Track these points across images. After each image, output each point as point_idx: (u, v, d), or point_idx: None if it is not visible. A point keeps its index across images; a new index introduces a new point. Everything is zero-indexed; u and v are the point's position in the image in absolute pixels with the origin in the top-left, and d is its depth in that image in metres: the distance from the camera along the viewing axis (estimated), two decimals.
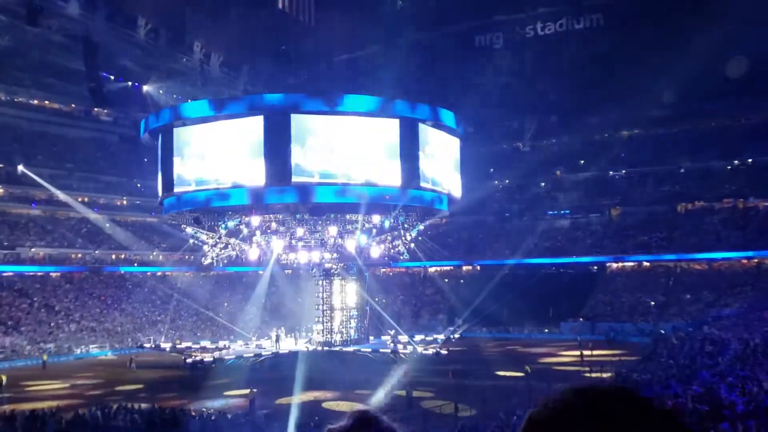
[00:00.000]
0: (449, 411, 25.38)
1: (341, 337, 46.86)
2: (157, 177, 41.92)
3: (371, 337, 49.43)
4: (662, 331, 46.68)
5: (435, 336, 50.64)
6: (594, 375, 31.54)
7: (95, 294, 56.81)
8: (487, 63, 66.14)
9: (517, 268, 62.24)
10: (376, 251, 44.83)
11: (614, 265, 62.07)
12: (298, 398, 29.82)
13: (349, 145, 37.97)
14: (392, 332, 48.29)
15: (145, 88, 68.85)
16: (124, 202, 66.89)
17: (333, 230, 42.80)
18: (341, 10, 61.07)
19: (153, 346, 49.26)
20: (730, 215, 59.95)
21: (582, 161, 69.82)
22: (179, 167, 38.98)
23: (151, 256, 63.02)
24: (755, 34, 53.12)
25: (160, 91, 69.07)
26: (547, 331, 54.77)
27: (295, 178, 37.31)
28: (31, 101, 66.25)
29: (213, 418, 24.99)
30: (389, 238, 44.92)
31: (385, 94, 41.09)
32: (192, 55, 64.44)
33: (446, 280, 67.19)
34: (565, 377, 32.88)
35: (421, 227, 46.28)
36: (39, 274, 56.55)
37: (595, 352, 40.03)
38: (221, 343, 47.82)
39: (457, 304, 59.65)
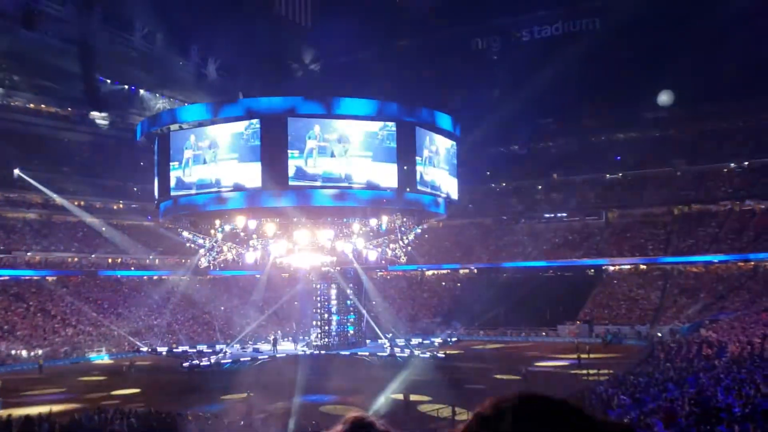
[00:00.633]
0: (446, 415, 25.33)
1: (338, 340, 46.83)
2: (154, 181, 41.89)
3: (368, 341, 49.42)
4: (659, 334, 46.73)
5: (432, 339, 50.61)
6: (591, 378, 31.54)
7: (92, 298, 56.66)
8: (484, 66, 66.25)
9: (514, 271, 62.26)
10: (373, 254, 44.85)
11: (611, 267, 62.10)
12: (295, 402, 29.76)
13: (347, 148, 37.96)
14: (389, 336, 48.28)
15: (142, 92, 68.85)
16: (121, 206, 66.76)
17: (330, 233, 42.79)
18: (338, 14, 61.08)
19: (150, 350, 49.16)
20: (727, 218, 60.02)
21: (579, 164, 69.83)
22: (179, 171, 38.96)
23: (147, 260, 62.90)
24: (752, 35, 53.24)
25: (157, 95, 69.07)
26: (544, 334, 54.74)
27: (296, 183, 37.32)
28: (27, 105, 66.16)
29: (210, 422, 24.91)
30: (386, 241, 44.93)
31: (382, 98, 41.11)
32: (189, 58, 64.42)
33: (443, 283, 67.18)
34: (563, 380, 32.88)
35: (419, 230, 46.30)
36: (35, 278, 56.42)
37: (593, 355, 40.07)
38: (218, 347, 47.73)
39: (454, 308, 59.65)
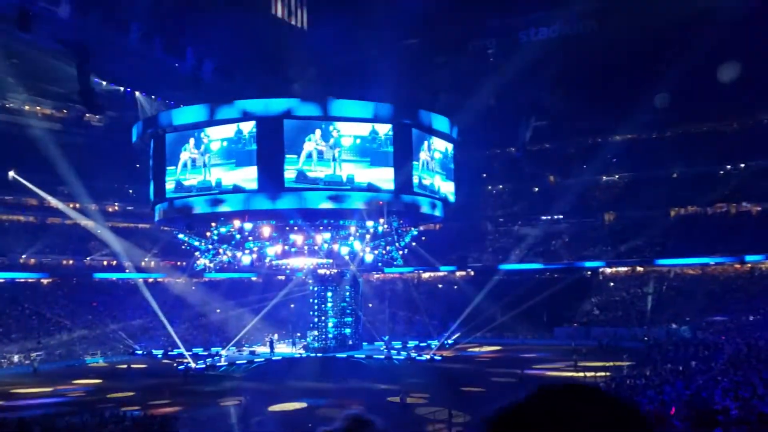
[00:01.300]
0: (443, 417, 25.26)
1: (335, 343, 46.73)
2: (149, 182, 41.77)
3: (365, 343, 49.33)
4: (656, 336, 46.73)
5: (429, 342, 50.55)
6: (588, 380, 31.49)
7: (87, 301, 56.48)
8: (481, 68, 66.19)
9: (510, 274, 62.19)
10: (369, 257, 44.77)
11: (608, 270, 62.10)
12: (291, 405, 29.68)
13: (346, 152, 37.90)
14: (386, 338, 48.19)
15: (138, 93, 68.62)
16: (116, 209, 66.56)
17: (326, 236, 42.71)
18: (334, 16, 61.02)
19: (145, 352, 49.01)
20: (723, 220, 60.08)
21: (575, 166, 69.86)
22: (178, 175, 38.82)
23: (143, 263, 62.68)
24: (747, 38, 53.32)
25: (153, 97, 68.84)
26: (541, 336, 54.69)
27: (297, 186, 37.25)
28: (22, 107, 65.97)
29: (205, 425, 24.80)
30: (383, 243, 44.85)
31: (379, 100, 41.04)
32: (185, 60, 64.24)
33: (440, 285, 67.10)
34: (560, 383, 32.77)
35: (415, 232, 46.24)
36: (30, 280, 56.25)
37: (589, 358, 40.03)
38: (214, 350, 47.58)
39: (450, 310, 59.55)
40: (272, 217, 40.99)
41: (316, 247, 43.61)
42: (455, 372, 37.80)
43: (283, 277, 57.57)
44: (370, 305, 53.22)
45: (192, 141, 38.50)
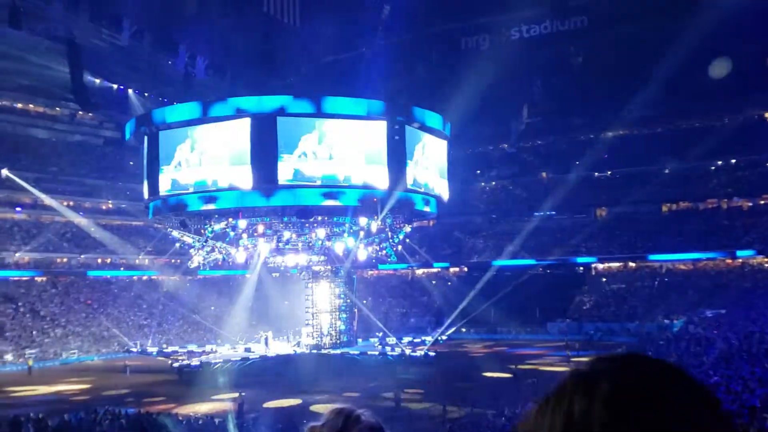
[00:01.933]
0: (437, 413, 25.44)
1: (329, 339, 46.84)
2: (143, 180, 41.73)
3: (359, 340, 49.46)
4: (648, 331, 47.03)
5: (423, 338, 50.72)
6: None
7: (81, 298, 56.45)
8: (474, 65, 66.30)
9: (503, 269, 62.42)
10: (363, 254, 44.87)
11: (600, 265, 62.44)
12: (286, 402, 29.82)
13: (338, 148, 37.96)
14: (380, 334, 48.34)
15: (130, 91, 68.51)
16: (110, 206, 66.46)
17: (320, 233, 42.77)
18: (326, 13, 61.02)
19: (139, 350, 49.02)
20: (715, 215, 60.46)
21: (567, 162, 70.13)
22: (174, 173, 38.78)
23: (137, 260, 62.64)
24: (738, 34, 53.62)
25: (146, 94, 68.76)
26: (534, 331, 54.96)
27: (293, 183, 37.32)
28: (15, 105, 65.77)
29: (200, 422, 24.91)
30: (377, 240, 44.95)
31: (372, 97, 41.12)
32: (177, 58, 64.13)
33: (434, 281, 67.28)
34: (553, 377, 33.02)
35: (409, 229, 46.34)
36: (24, 278, 56.16)
37: (582, 352, 40.27)
38: (208, 347, 47.63)
39: (444, 306, 59.75)
40: (266, 214, 41.03)
41: (310, 244, 43.70)
42: (449, 367, 37.99)
43: (277, 274, 57.64)
44: (365, 302, 53.37)
45: (187, 140, 38.49)
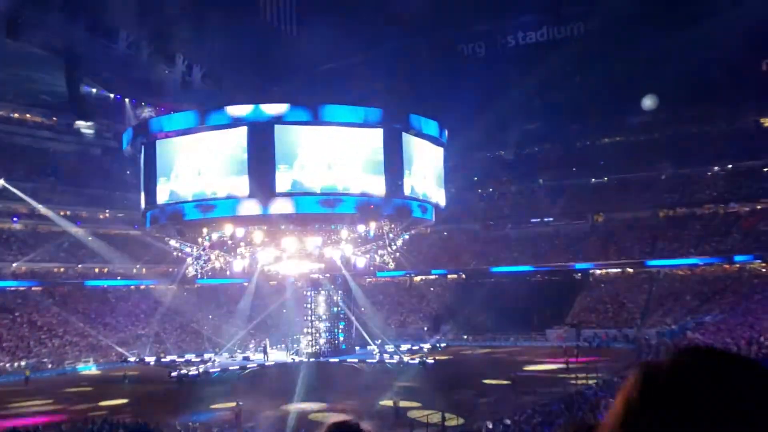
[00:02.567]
0: (436, 421, 25.37)
1: (328, 347, 46.75)
2: (140, 189, 41.70)
3: (358, 348, 49.35)
4: (646, 337, 47.01)
5: (421, 345, 50.64)
6: (580, 381, 31.69)
7: (78, 308, 56.31)
8: (470, 72, 66.46)
9: (501, 276, 62.43)
10: (361, 261, 44.84)
11: (598, 271, 62.43)
12: (284, 410, 29.72)
13: (335, 157, 37.97)
14: (379, 342, 48.25)
15: (126, 100, 68.52)
16: (107, 215, 66.37)
17: (318, 241, 42.76)
18: (324, 21, 61.13)
19: (137, 360, 48.86)
20: (712, 221, 60.52)
21: (565, 169, 70.23)
22: (172, 184, 38.73)
23: (134, 270, 62.52)
24: (734, 39, 53.75)
25: (143, 104, 68.76)
26: (532, 338, 54.90)
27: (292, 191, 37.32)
28: (11, 115, 65.76)
29: (198, 431, 24.84)
30: (374, 247, 44.92)
31: (369, 104, 41.16)
32: (174, 66, 64.18)
33: (432, 288, 67.26)
34: (552, 384, 33.01)
35: (406, 236, 46.33)
36: (21, 289, 56.04)
37: (581, 359, 40.24)
38: (206, 356, 47.49)
39: (442, 313, 59.74)
40: (264, 222, 40.98)
41: (308, 252, 43.66)
42: (448, 375, 37.90)
43: (275, 283, 57.54)
44: (363, 309, 53.26)
45: (184, 149, 38.49)
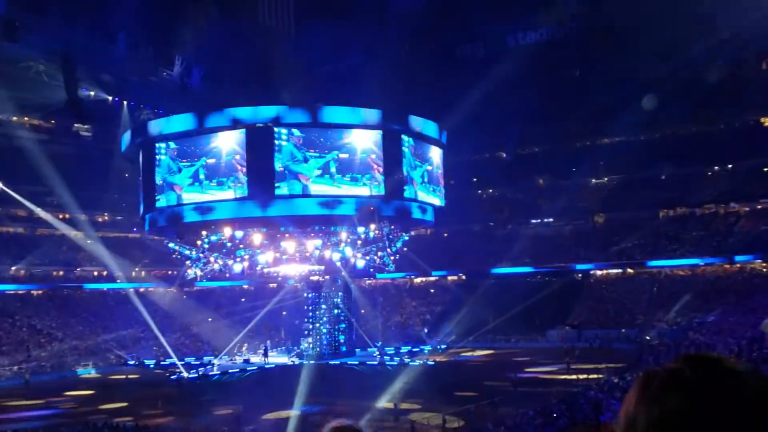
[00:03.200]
0: (437, 423, 25.25)
1: (328, 349, 46.65)
2: (139, 192, 41.62)
3: (358, 350, 49.26)
4: (648, 338, 46.89)
5: (422, 347, 50.54)
6: (581, 382, 31.55)
7: (78, 312, 56.16)
8: (469, 73, 66.39)
9: (502, 277, 62.27)
10: (361, 263, 44.76)
11: (599, 272, 62.28)
12: (284, 413, 29.59)
13: (338, 158, 37.92)
14: (379, 344, 48.15)
15: (124, 104, 68.41)
16: (106, 218, 66.26)
17: (318, 243, 42.67)
18: (322, 22, 61.11)
19: (137, 362, 48.75)
20: (712, 221, 60.39)
21: (565, 169, 70.10)
22: (170, 185, 38.63)
23: (133, 273, 62.37)
24: (734, 39, 53.72)
25: (141, 106, 68.64)
26: (533, 339, 54.77)
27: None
28: (10, 118, 65.60)
29: None
30: (374, 249, 44.84)
31: (368, 106, 41.09)
32: (173, 69, 64.12)
33: (432, 290, 67.07)
34: (552, 385, 32.88)
35: (406, 238, 46.25)
36: (20, 292, 55.90)
37: (582, 360, 40.10)
38: (206, 359, 47.39)
39: (442, 314, 59.58)
40: (263, 224, 40.90)
41: (307, 254, 43.54)
42: (448, 377, 37.78)
43: (275, 285, 57.42)
44: (363, 311, 53.18)
45: (181, 151, 38.40)
